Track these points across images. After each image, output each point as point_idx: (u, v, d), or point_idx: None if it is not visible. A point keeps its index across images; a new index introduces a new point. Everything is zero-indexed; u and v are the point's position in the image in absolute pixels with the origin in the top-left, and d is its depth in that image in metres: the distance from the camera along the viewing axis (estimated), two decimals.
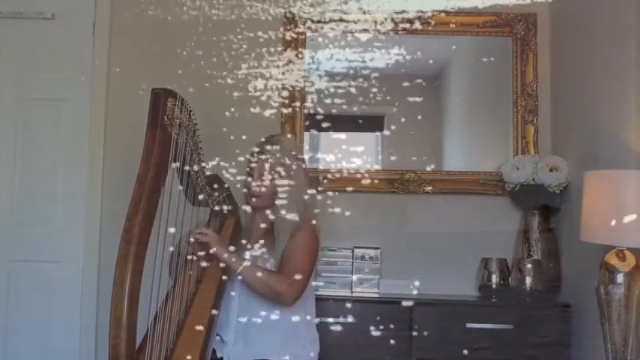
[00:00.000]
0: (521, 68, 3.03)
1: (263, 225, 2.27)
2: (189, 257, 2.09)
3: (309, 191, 2.25)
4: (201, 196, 2.16)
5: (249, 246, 2.24)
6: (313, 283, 2.28)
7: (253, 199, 2.23)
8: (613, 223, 1.96)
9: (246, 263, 2.07)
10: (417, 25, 3.02)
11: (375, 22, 3.02)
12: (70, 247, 3.03)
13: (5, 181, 3.06)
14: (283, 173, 2.18)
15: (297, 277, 2.10)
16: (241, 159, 2.29)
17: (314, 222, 2.22)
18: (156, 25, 2.97)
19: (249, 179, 2.23)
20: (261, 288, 2.09)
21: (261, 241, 2.21)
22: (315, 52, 3.05)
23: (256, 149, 2.23)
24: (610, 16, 2.45)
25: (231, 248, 2.10)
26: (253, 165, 2.22)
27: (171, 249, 2.04)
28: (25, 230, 3.06)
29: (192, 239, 2.05)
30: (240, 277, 2.07)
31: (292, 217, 2.16)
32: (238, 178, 2.29)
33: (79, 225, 3.02)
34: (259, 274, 2.08)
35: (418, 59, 3.11)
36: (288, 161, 2.19)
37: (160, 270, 1.85)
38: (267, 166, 2.18)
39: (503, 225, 2.96)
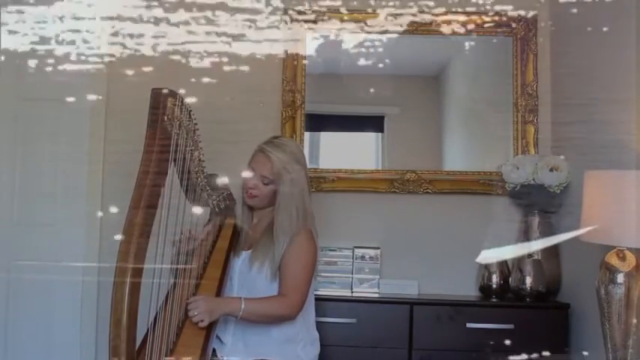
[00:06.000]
0: (521, 68, 3.02)
1: (261, 226, 2.26)
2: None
3: (309, 197, 2.23)
4: (201, 196, 2.15)
5: (246, 247, 2.24)
6: (312, 283, 2.27)
7: (250, 199, 2.23)
8: (613, 223, 1.96)
9: (242, 305, 2.02)
10: (418, 25, 3.02)
11: (376, 22, 3.02)
12: (70, 248, 3.02)
13: (5, 181, 3.06)
14: (283, 176, 2.17)
15: (297, 294, 2.10)
16: (241, 159, 2.28)
17: (311, 228, 2.20)
18: (156, 24, 2.97)
19: (249, 178, 2.22)
20: (265, 320, 2.11)
21: (259, 244, 2.21)
22: (316, 51, 3.05)
23: (259, 150, 2.22)
24: (610, 15, 2.45)
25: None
26: (254, 165, 2.22)
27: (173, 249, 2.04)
28: (25, 230, 3.05)
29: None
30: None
31: (290, 221, 2.14)
32: (238, 173, 2.27)
33: (79, 225, 3.02)
34: (258, 308, 2.06)
35: (418, 59, 3.11)
36: (289, 165, 2.17)
37: (161, 270, 1.84)
38: (267, 167, 2.18)
39: (503, 225, 2.96)
